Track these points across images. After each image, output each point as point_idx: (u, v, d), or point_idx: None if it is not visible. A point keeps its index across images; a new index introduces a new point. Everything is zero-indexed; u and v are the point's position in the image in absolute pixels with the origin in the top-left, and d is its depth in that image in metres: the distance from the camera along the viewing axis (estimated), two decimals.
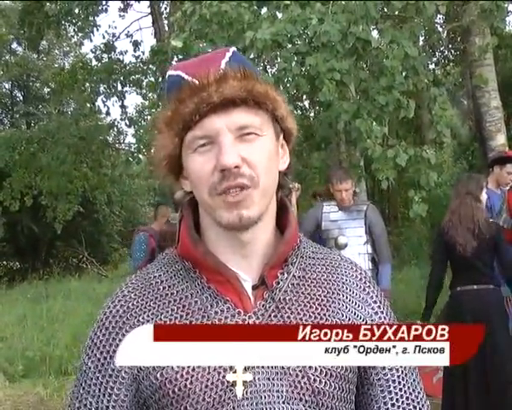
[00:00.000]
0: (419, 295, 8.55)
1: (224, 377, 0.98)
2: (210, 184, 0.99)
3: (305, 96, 9.71)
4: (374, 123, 5.40)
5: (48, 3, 12.98)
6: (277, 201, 1.10)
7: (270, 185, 1.03)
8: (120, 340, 1.03)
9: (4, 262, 18.70)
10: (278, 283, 1.06)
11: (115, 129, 16.18)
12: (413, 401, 1.10)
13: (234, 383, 0.98)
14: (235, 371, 0.98)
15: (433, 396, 4.73)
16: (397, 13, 6.83)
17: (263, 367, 1.00)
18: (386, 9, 7.18)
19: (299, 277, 1.09)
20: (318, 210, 4.98)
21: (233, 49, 1.06)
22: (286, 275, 1.07)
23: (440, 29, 10.06)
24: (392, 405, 1.08)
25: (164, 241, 5.42)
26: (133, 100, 57.15)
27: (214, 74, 0.98)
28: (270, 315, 1.03)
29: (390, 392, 1.08)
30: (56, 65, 19.51)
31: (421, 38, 10.46)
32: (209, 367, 0.99)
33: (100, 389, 1.04)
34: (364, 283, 1.14)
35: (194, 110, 0.98)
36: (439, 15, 7.99)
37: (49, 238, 18.02)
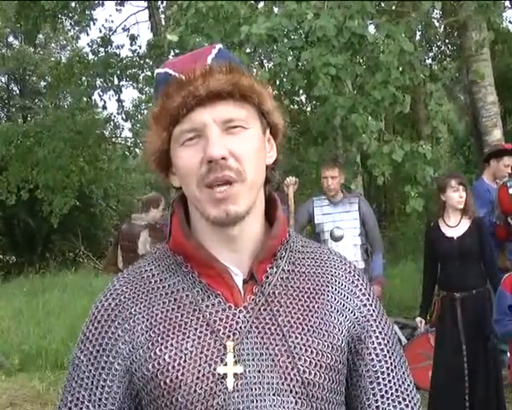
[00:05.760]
0: (415, 289, 8.57)
1: (214, 369, 0.99)
2: (198, 177, 0.99)
3: (301, 91, 9.70)
4: (369, 118, 5.40)
5: None
6: (266, 195, 1.11)
7: (257, 179, 1.04)
8: (113, 333, 1.04)
9: (0, 256, 18.66)
10: (268, 277, 1.07)
11: (112, 123, 16.16)
12: (402, 392, 1.10)
13: (224, 376, 0.99)
14: (225, 364, 0.99)
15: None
16: (393, 8, 6.83)
17: (253, 360, 1.01)
18: (383, 4, 7.18)
19: (288, 270, 1.10)
20: (310, 204, 5.06)
21: (219, 46, 1.08)
22: (275, 269, 1.08)
23: (437, 24, 10.05)
24: (382, 396, 1.08)
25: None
26: (130, 94, 56.86)
27: (200, 69, 1.00)
28: (259, 309, 1.04)
29: (379, 383, 1.09)
30: (53, 59, 19.41)
31: (418, 33, 10.47)
32: (200, 359, 1.00)
33: (92, 382, 1.04)
34: (353, 275, 1.15)
35: (181, 104, 0.99)
36: (435, 10, 7.98)
37: (45, 232, 17.99)
